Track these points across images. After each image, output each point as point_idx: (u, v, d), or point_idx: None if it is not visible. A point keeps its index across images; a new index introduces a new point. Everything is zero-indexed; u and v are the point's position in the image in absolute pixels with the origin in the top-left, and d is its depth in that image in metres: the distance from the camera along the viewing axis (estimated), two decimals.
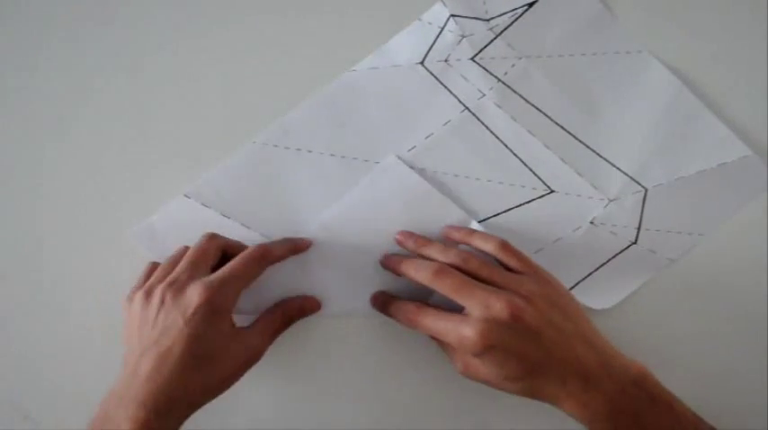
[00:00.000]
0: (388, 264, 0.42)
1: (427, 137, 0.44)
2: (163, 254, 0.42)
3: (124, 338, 0.38)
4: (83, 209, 0.44)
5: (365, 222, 0.43)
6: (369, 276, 0.43)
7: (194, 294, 0.36)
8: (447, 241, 0.42)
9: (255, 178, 0.43)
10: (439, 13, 0.44)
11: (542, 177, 0.44)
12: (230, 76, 0.44)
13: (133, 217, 0.43)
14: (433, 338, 0.39)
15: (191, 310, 0.35)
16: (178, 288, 0.36)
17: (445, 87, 0.44)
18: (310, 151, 0.44)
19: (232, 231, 0.42)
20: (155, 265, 0.41)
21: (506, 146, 0.44)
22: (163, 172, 0.44)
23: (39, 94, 0.44)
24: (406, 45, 0.44)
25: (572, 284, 0.43)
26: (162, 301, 0.36)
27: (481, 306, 0.35)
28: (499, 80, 0.44)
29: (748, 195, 0.44)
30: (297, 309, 0.42)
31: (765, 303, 0.43)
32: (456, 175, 0.44)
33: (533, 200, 0.44)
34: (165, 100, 0.44)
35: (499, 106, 0.44)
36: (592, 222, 0.44)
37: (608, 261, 0.44)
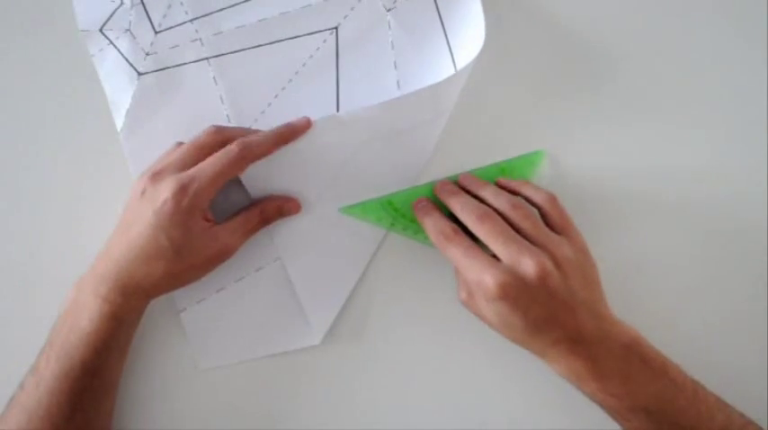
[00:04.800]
0: (441, 191, 0.41)
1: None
2: None
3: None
4: (83, 208, 0.44)
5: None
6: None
7: (166, 189, 0.37)
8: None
9: None
10: None
11: None
12: None
13: None
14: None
15: (158, 204, 0.37)
16: (157, 180, 0.38)
17: None
18: None
19: None
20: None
21: None
22: None
23: (37, 92, 0.44)
24: None
25: None
26: (143, 191, 0.38)
27: (512, 259, 0.35)
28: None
29: None
30: (275, 210, 0.42)
31: (766, 303, 0.43)
32: None
33: None
34: None
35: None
36: None
37: None
